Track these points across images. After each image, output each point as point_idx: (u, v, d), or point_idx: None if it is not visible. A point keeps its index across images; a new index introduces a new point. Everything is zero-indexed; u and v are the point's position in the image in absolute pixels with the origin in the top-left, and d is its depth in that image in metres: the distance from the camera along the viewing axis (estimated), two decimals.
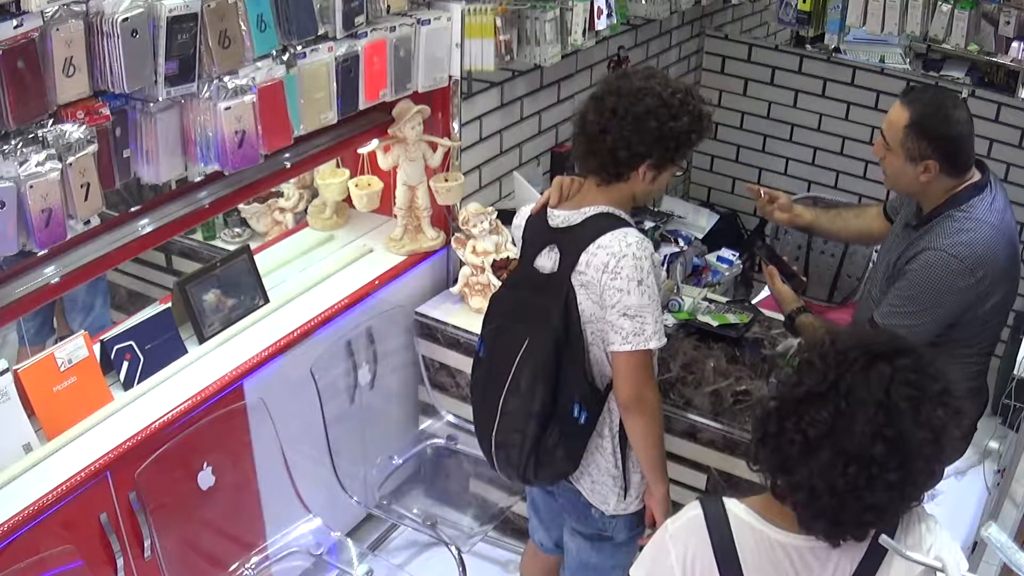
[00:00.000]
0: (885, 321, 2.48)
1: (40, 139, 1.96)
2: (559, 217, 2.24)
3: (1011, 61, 3.72)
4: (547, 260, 2.24)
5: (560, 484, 2.39)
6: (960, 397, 1.47)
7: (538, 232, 2.29)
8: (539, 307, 2.22)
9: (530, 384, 2.22)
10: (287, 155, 2.71)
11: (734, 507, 1.58)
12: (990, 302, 2.46)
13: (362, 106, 2.74)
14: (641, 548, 2.37)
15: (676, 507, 1.65)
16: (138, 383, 2.52)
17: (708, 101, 2.22)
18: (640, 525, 2.40)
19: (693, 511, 1.60)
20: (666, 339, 2.19)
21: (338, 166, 3.33)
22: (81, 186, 2.04)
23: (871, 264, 3.78)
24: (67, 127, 1.99)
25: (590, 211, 2.20)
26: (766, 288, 4.02)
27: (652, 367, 2.22)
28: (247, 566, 2.75)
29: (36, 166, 1.94)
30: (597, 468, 2.32)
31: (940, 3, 3.68)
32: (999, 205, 2.47)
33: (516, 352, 2.23)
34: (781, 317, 3.03)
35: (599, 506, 2.36)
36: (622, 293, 2.11)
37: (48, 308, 3.39)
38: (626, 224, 2.18)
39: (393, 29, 2.73)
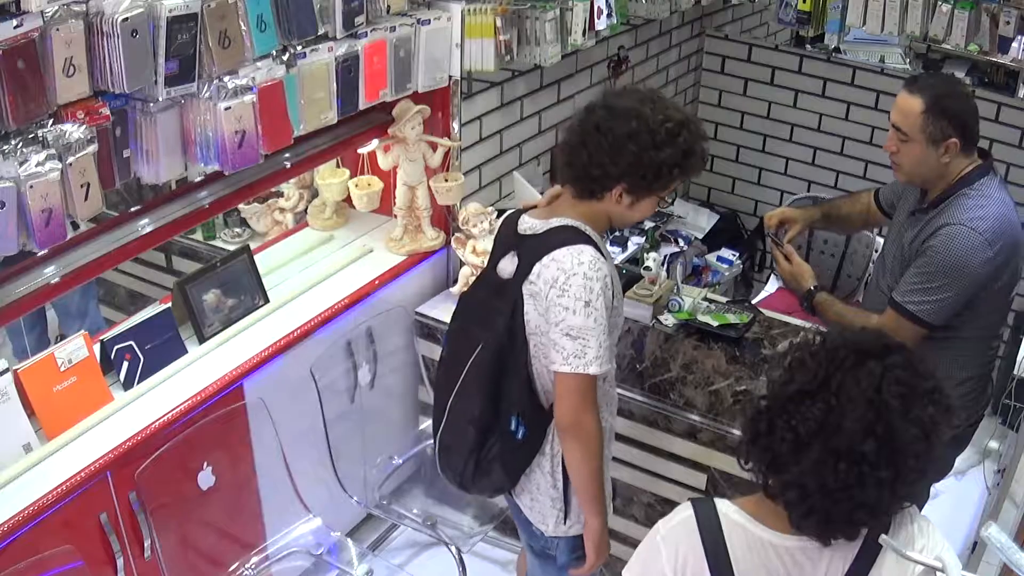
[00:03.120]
0: (905, 300, 2.52)
1: (40, 139, 1.96)
2: (527, 224, 2.16)
3: (1011, 61, 3.72)
4: (508, 264, 2.16)
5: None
6: (951, 395, 1.47)
7: (507, 235, 2.22)
8: (493, 311, 2.16)
9: (473, 388, 2.17)
10: (287, 155, 2.71)
11: (725, 508, 1.57)
12: (1000, 281, 2.51)
13: (362, 106, 2.74)
14: None
15: (674, 507, 1.65)
16: (138, 383, 2.52)
17: (705, 135, 2.07)
18: (582, 549, 2.26)
19: (684, 512, 1.59)
20: (610, 365, 2.09)
21: (338, 166, 3.33)
22: (81, 186, 2.04)
23: (871, 264, 3.78)
24: (67, 127, 1.99)
25: (556, 222, 2.11)
26: (766, 288, 4.05)
27: (594, 393, 2.10)
28: (247, 566, 2.75)
29: (36, 166, 1.94)
30: (536, 487, 2.26)
31: (940, 3, 3.69)
32: (1004, 189, 2.56)
33: (469, 354, 2.17)
34: (781, 317, 3.04)
35: (538, 525, 2.30)
36: (567, 312, 2.01)
37: (41, 322, 3.39)
38: (587, 241, 2.07)
39: (393, 29, 2.73)
